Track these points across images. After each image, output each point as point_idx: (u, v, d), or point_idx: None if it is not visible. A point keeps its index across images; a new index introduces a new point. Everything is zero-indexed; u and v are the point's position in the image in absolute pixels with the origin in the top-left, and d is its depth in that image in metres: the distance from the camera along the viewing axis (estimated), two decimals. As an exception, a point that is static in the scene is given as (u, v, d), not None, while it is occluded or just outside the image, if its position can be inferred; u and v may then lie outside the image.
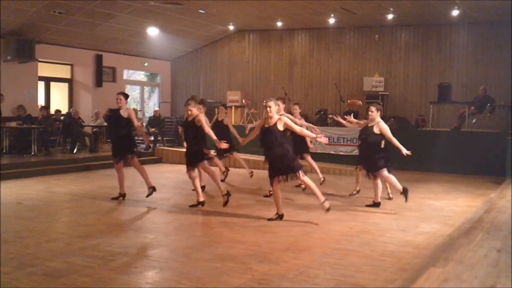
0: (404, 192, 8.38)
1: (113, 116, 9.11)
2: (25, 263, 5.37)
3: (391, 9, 14.84)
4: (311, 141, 10.41)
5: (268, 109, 7.35)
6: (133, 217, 8.03)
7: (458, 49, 16.27)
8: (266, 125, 7.43)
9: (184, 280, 4.90)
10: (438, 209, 8.76)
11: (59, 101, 17.67)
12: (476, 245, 5.50)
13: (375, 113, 8.56)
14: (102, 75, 17.83)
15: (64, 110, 16.90)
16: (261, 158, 9.52)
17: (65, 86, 17.83)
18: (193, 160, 8.45)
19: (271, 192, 8.53)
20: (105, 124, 13.81)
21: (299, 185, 10.90)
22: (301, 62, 18.53)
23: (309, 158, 10.47)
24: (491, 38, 15.76)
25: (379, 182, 8.59)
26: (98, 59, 17.67)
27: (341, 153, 14.34)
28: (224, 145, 8.05)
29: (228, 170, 11.69)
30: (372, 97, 16.35)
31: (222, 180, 11.46)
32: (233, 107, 17.62)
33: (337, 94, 16.44)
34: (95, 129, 16.05)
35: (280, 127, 7.32)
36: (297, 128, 7.46)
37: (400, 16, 15.57)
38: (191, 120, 8.39)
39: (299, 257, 5.68)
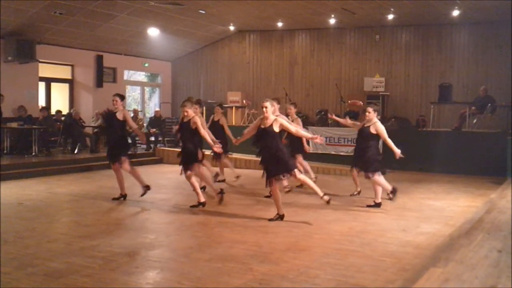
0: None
1: (109, 118, 9.16)
2: (26, 264, 5.38)
3: (392, 9, 14.84)
4: (307, 142, 10.41)
5: (264, 109, 7.35)
6: (134, 217, 8.04)
7: (459, 49, 16.26)
8: (262, 126, 7.42)
9: (185, 281, 4.90)
10: (438, 209, 8.75)
11: (60, 101, 17.67)
12: (477, 246, 5.50)
13: (372, 114, 8.62)
14: (103, 75, 17.83)
15: (65, 110, 16.90)
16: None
17: (65, 86, 17.84)
18: (188, 161, 8.44)
19: (271, 193, 8.54)
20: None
21: (300, 185, 10.91)
22: (302, 62, 18.52)
23: (300, 158, 10.40)
24: (491, 38, 15.75)
25: (380, 178, 8.59)
26: (99, 59, 17.68)
27: (342, 153, 14.34)
28: (219, 149, 8.41)
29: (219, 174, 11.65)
30: (372, 98, 16.37)
31: (221, 181, 11.49)
32: (233, 108, 17.62)
33: (337, 95, 16.44)
34: (95, 130, 16.05)
35: (276, 128, 7.31)
36: (292, 129, 7.47)
37: (401, 16, 15.57)
38: (187, 121, 8.40)
39: (299, 257, 5.68)
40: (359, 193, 9.84)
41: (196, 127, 8.26)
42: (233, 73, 19.60)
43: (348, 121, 9.84)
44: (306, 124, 16.27)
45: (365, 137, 8.64)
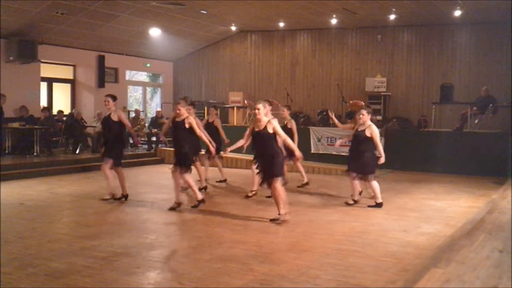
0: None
1: (105, 121, 9.19)
2: (27, 264, 5.38)
3: (393, 9, 14.82)
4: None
5: (256, 111, 7.32)
6: (135, 217, 8.04)
7: (461, 49, 16.24)
8: (256, 129, 7.41)
9: (185, 281, 4.90)
10: (439, 209, 8.74)
11: (62, 101, 17.69)
12: (478, 246, 5.49)
13: (366, 116, 8.61)
14: (105, 75, 17.83)
15: (67, 111, 16.91)
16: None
17: (67, 86, 17.85)
18: (182, 162, 8.41)
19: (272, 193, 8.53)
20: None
21: (300, 186, 10.93)
22: (303, 62, 18.52)
23: (297, 163, 10.26)
24: (493, 39, 15.72)
25: (374, 182, 8.61)
26: (101, 59, 17.69)
27: (343, 153, 14.28)
28: (213, 150, 8.65)
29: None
30: (374, 98, 16.39)
31: (222, 181, 11.51)
32: (235, 108, 17.61)
33: (339, 95, 16.43)
34: (97, 130, 16.05)
35: (270, 130, 7.30)
36: (282, 136, 7.42)
37: (402, 16, 15.55)
38: (180, 120, 8.38)
39: (300, 258, 5.68)
40: (360, 193, 9.76)
41: (191, 126, 8.25)
42: (235, 73, 19.60)
43: (344, 126, 9.97)
44: (307, 124, 16.33)
45: (361, 141, 8.61)
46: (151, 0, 14.01)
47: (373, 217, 8.00)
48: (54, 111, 16.31)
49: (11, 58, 14.67)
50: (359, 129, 8.67)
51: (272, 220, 7.50)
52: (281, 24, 17.57)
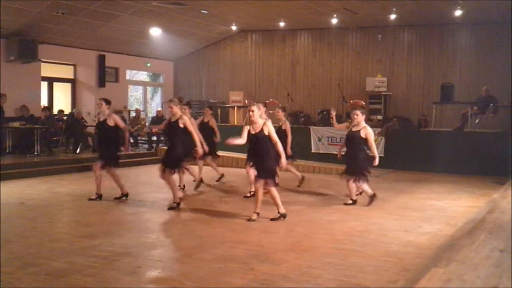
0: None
1: (100, 126, 9.17)
2: (28, 263, 5.39)
3: (394, 9, 14.82)
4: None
5: (251, 113, 7.32)
6: (135, 217, 8.04)
7: (461, 49, 16.24)
8: (252, 132, 7.41)
9: (186, 281, 4.90)
10: (440, 209, 8.74)
11: (62, 101, 17.69)
12: (479, 246, 5.49)
13: (360, 117, 8.57)
14: (105, 75, 17.83)
15: (67, 110, 16.92)
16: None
17: (68, 86, 17.85)
18: (170, 165, 8.39)
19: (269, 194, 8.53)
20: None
21: (299, 185, 10.92)
22: (304, 62, 18.52)
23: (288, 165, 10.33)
24: (493, 39, 15.72)
25: (364, 185, 8.68)
26: (101, 59, 17.68)
27: (343, 153, 14.30)
28: (199, 154, 8.66)
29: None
30: (374, 97, 16.40)
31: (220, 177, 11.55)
32: (235, 108, 17.62)
33: (339, 95, 16.42)
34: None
35: (266, 132, 7.32)
36: (274, 140, 7.41)
37: (403, 16, 15.55)
38: (175, 120, 8.37)
39: (301, 257, 5.68)
40: (360, 193, 9.73)
41: (185, 126, 8.24)
42: (235, 73, 19.60)
43: (339, 126, 9.96)
44: (308, 124, 16.32)
45: (356, 142, 8.59)
46: (152, 0, 14.01)
47: (373, 217, 8.00)
48: (55, 111, 16.31)
49: (12, 57, 14.67)
50: (353, 129, 8.63)
51: (272, 220, 7.51)
52: (282, 24, 17.57)
